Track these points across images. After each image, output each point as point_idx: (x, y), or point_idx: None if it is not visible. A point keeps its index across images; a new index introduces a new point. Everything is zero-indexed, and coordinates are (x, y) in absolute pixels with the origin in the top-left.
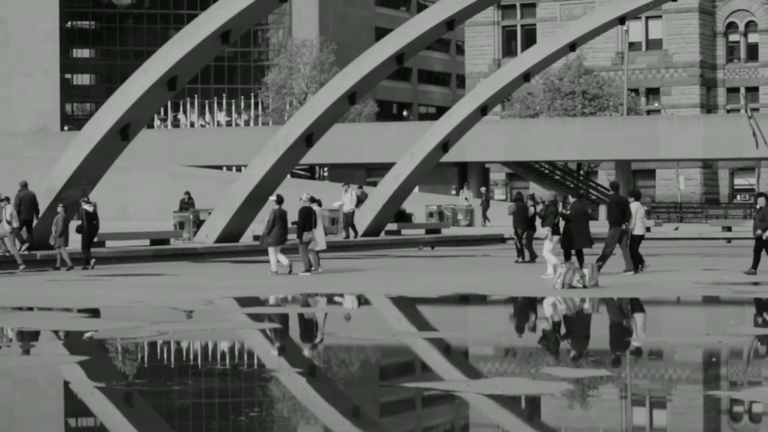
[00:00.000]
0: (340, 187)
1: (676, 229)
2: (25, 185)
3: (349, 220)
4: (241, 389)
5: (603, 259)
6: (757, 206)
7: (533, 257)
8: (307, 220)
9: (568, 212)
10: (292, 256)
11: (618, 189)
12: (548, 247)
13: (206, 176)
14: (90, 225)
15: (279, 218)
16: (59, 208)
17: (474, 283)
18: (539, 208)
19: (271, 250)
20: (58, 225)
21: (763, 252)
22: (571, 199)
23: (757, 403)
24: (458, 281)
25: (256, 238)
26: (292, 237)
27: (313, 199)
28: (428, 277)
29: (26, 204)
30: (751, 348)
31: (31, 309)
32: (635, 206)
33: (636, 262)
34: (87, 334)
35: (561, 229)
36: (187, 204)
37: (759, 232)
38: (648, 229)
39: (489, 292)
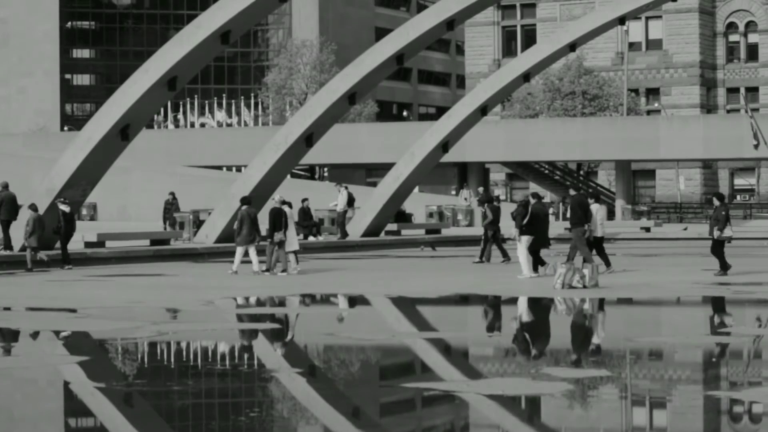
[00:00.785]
0: (333, 187)
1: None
2: (5, 186)
3: (340, 220)
4: (240, 389)
5: (569, 260)
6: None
7: (505, 256)
8: (277, 221)
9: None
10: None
11: (580, 190)
12: (521, 248)
13: (206, 176)
14: (67, 226)
15: (247, 219)
16: (30, 209)
17: (474, 283)
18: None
19: (239, 250)
20: (29, 225)
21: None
22: (572, 192)
23: (757, 403)
24: (458, 281)
25: None
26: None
27: (284, 201)
28: (428, 277)
29: (7, 205)
30: (751, 348)
31: (31, 309)
32: (595, 208)
33: (607, 261)
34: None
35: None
36: (171, 205)
37: (717, 233)
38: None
39: (488, 292)
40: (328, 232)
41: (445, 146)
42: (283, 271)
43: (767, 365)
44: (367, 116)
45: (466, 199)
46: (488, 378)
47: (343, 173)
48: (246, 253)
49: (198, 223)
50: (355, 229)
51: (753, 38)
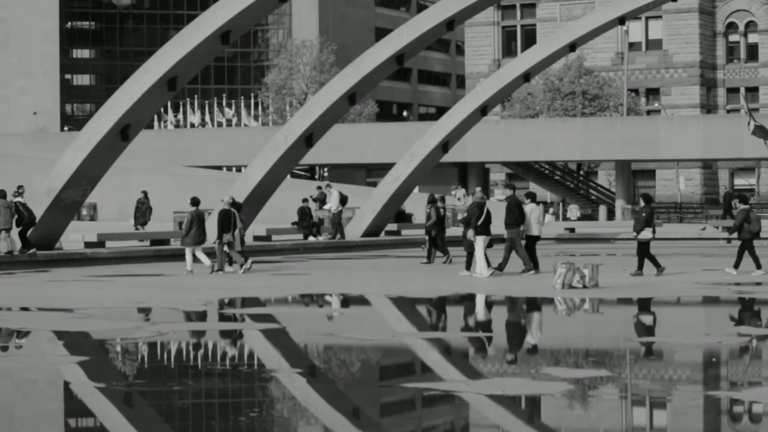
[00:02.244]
0: (324, 188)
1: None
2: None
3: (336, 220)
4: (241, 389)
5: (525, 263)
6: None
7: (446, 254)
8: (225, 221)
9: (465, 214)
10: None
11: (515, 190)
12: (480, 248)
13: (206, 176)
14: (20, 216)
15: (197, 219)
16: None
17: (473, 283)
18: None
19: (187, 250)
20: None
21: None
22: (508, 192)
23: (757, 403)
24: (458, 281)
25: (256, 238)
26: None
27: (234, 202)
28: (428, 277)
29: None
30: (751, 348)
31: (31, 309)
32: (530, 208)
33: (531, 263)
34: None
35: (489, 230)
36: (142, 204)
37: (644, 234)
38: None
39: (489, 292)
40: (327, 232)
41: (445, 146)
42: (242, 267)
43: (767, 365)
44: (367, 116)
45: (459, 199)
46: (488, 378)
47: (343, 173)
48: (194, 253)
49: None
50: (355, 229)
51: (753, 38)
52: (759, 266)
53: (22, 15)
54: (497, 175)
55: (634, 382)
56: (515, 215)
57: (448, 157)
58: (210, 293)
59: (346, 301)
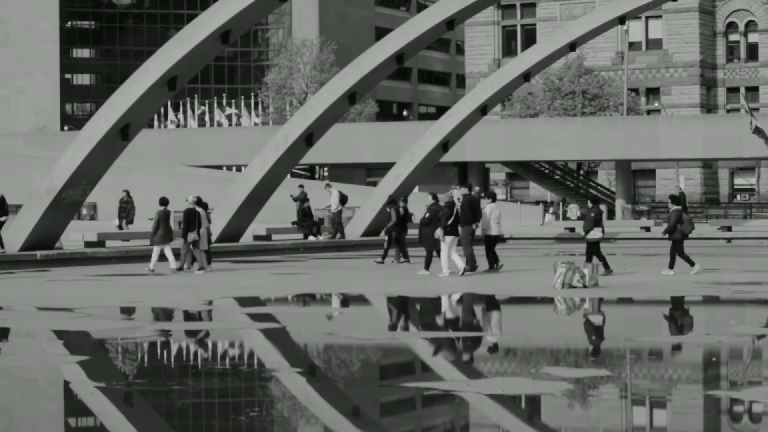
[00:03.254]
0: (324, 188)
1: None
2: None
3: (336, 220)
4: (241, 389)
5: (470, 261)
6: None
7: (406, 257)
8: (191, 220)
9: (427, 215)
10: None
11: (471, 189)
12: (445, 249)
13: (206, 176)
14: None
15: (164, 219)
16: None
17: (473, 283)
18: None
19: (155, 249)
20: None
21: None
22: (464, 192)
23: (757, 403)
24: (458, 281)
25: (256, 238)
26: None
27: (200, 202)
28: (428, 277)
29: None
30: (751, 348)
31: (31, 309)
32: (489, 207)
33: (491, 261)
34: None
35: (458, 230)
36: (126, 203)
37: (593, 234)
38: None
39: (489, 291)
40: (327, 231)
41: (445, 146)
42: (200, 269)
43: (767, 365)
44: (367, 116)
45: (458, 199)
46: (488, 377)
47: (343, 173)
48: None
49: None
50: (355, 229)
51: (753, 38)
52: (692, 264)
53: (22, 14)
54: (497, 175)
55: (634, 381)
56: (466, 215)
57: (448, 157)
58: (210, 293)
59: (346, 301)
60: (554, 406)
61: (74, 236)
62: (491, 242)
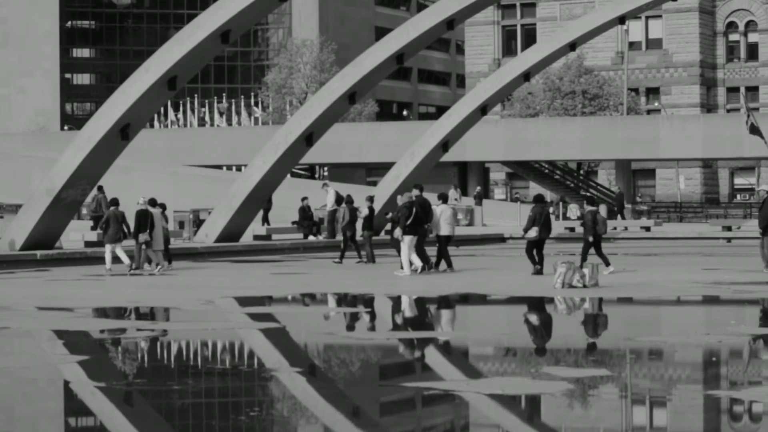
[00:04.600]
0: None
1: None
2: None
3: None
4: (241, 389)
5: (425, 261)
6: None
7: (359, 255)
8: (142, 221)
9: (396, 213)
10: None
11: (422, 190)
12: (404, 247)
13: (206, 176)
14: None
15: (113, 218)
16: None
17: (473, 283)
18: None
19: (107, 248)
20: None
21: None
22: (417, 193)
23: (757, 403)
24: (458, 281)
25: (256, 237)
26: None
27: (154, 203)
28: (428, 277)
29: None
30: (751, 348)
31: (31, 308)
32: (440, 209)
33: (447, 262)
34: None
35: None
36: (99, 199)
37: (530, 234)
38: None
39: (489, 291)
40: (327, 231)
41: (445, 146)
42: (157, 265)
43: (767, 365)
44: (367, 116)
45: (456, 199)
46: (488, 377)
47: (343, 173)
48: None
49: (198, 223)
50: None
51: (753, 37)
52: (582, 264)
53: (22, 14)
54: (497, 175)
55: (634, 381)
56: (406, 216)
57: (448, 157)
58: (210, 293)
59: (346, 301)
60: (554, 406)
61: (74, 236)
62: (443, 242)
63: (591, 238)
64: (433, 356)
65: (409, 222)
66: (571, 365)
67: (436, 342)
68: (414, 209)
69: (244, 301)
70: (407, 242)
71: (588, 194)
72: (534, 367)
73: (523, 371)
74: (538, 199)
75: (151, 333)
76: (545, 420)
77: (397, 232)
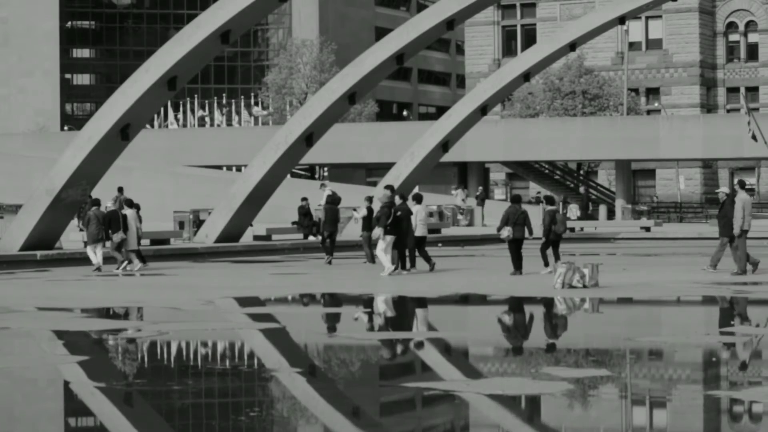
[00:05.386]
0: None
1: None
2: None
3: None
4: (241, 389)
5: (368, 257)
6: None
7: (329, 254)
8: (114, 222)
9: (398, 213)
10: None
11: (394, 191)
12: (381, 246)
13: (206, 176)
14: None
15: (94, 219)
16: None
17: (474, 283)
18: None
19: (88, 248)
20: None
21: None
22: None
23: (757, 403)
24: (458, 281)
25: (256, 237)
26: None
27: (130, 203)
28: (428, 277)
29: None
30: (751, 348)
31: (31, 309)
32: (416, 209)
33: (429, 262)
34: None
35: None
36: (83, 204)
37: (504, 233)
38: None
39: (488, 292)
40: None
41: (445, 146)
42: (124, 262)
43: (767, 365)
44: (367, 116)
45: (463, 200)
46: (488, 377)
47: (343, 173)
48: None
49: (198, 223)
50: (356, 229)
51: (753, 38)
52: (546, 265)
53: (22, 14)
54: (497, 175)
55: (634, 381)
56: (378, 218)
57: (448, 157)
58: (210, 293)
59: (347, 301)
60: (554, 406)
61: (74, 236)
62: (418, 243)
63: (545, 237)
64: (433, 356)
65: (389, 221)
66: (571, 365)
67: (436, 342)
68: (393, 209)
69: (244, 302)
70: (387, 241)
71: (547, 194)
72: (534, 368)
73: (523, 371)
74: (516, 199)
75: (151, 333)
76: (545, 420)
77: (378, 231)
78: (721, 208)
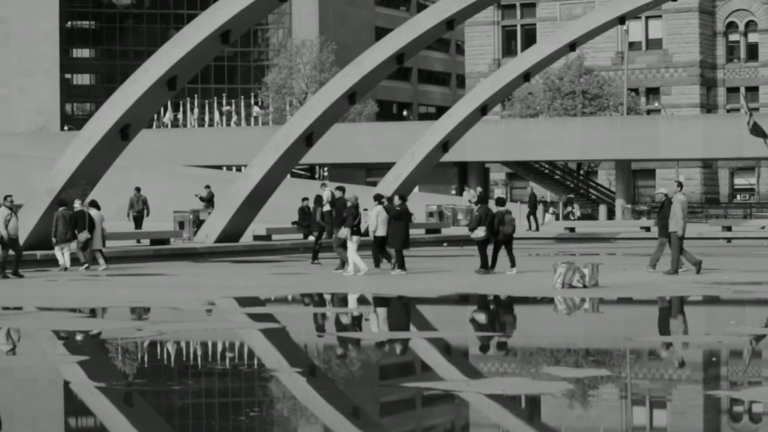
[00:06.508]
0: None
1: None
2: None
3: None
4: (241, 389)
5: (342, 257)
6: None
7: (316, 257)
8: (79, 222)
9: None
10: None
11: (344, 191)
12: (352, 247)
13: (206, 176)
14: None
15: (62, 219)
16: None
17: (474, 283)
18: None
19: (56, 248)
20: None
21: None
22: (339, 194)
23: (757, 403)
24: (458, 281)
25: (256, 237)
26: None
27: (93, 203)
28: (428, 277)
29: None
30: (751, 348)
31: (31, 309)
32: (377, 209)
33: (385, 258)
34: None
35: (363, 231)
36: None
37: (477, 233)
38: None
39: (488, 292)
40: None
41: (445, 146)
42: (83, 264)
43: (767, 365)
44: (367, 116)
45: (470, 201)
46: (488, 377)
47: (343, 173)
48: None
49: (198, 223)
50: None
51: (753, 38)
52: (483, 266)
53: (22, 14)
54: (497, 175)
55: (634, 381)
56: (341, 217)
57: (448, 157)
58: (210, 293)
59: (347, 301)
60: (554, 406)
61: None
62: (379, 243)
63: (493, 237)
64: (433, 356)
65: (356, 222)
66: (571, 365)
67: (436, 342)
68: (358, 210)
69: (244, 302)
70: (355, 242)
71: (499, 196)
72: (534, 367)
73: (523, 371)
74: (484, 200)
75: (151, 333)
76: (545, 420)
77: (344, 231)
78: (660, 209)
